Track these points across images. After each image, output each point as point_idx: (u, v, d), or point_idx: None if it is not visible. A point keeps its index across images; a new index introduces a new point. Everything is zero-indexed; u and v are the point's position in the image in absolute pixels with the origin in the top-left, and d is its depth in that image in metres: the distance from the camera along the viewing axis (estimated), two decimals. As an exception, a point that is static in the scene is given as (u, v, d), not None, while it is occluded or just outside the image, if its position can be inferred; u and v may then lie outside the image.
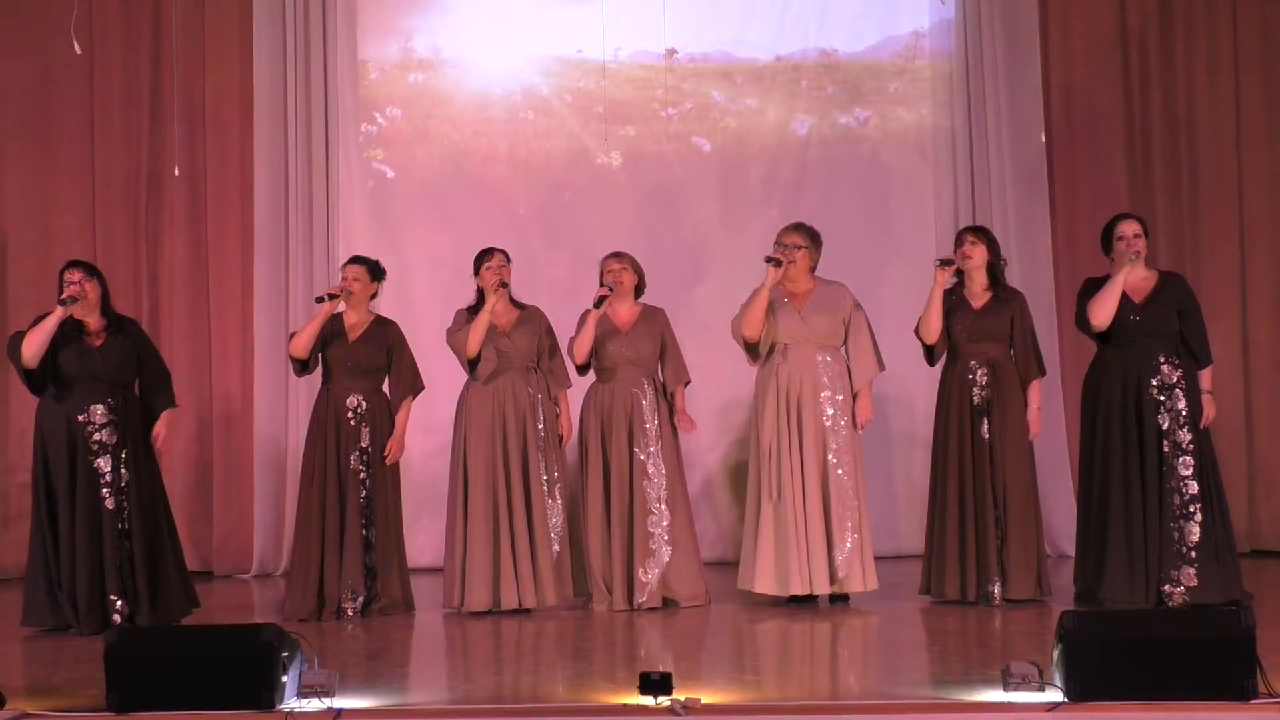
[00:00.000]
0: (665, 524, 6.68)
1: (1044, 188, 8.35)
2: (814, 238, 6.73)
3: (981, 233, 6.71)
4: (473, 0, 8.60)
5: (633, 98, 8.55)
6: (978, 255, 6.59)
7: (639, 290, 6.89)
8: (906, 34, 8.56)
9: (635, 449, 6.67)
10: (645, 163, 8.57)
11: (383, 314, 6.99)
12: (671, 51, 8.53)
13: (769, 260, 6.55)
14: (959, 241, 6.64)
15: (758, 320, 6.59)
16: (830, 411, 6.57)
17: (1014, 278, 7.38)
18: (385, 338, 6.81)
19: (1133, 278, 6.34)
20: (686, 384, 6.89)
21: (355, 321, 6.79)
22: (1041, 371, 6.64)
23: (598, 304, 6.63)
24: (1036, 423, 6.55)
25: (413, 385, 6.86)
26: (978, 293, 6.61)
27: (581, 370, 6.83)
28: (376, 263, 6.93)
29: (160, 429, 6.58)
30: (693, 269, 8.45)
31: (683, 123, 8.58)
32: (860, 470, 6.64)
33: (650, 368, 6.81)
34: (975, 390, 6.50)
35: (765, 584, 6.55)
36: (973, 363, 6.52)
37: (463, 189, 8.55)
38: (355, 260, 6.92)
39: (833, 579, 6.53)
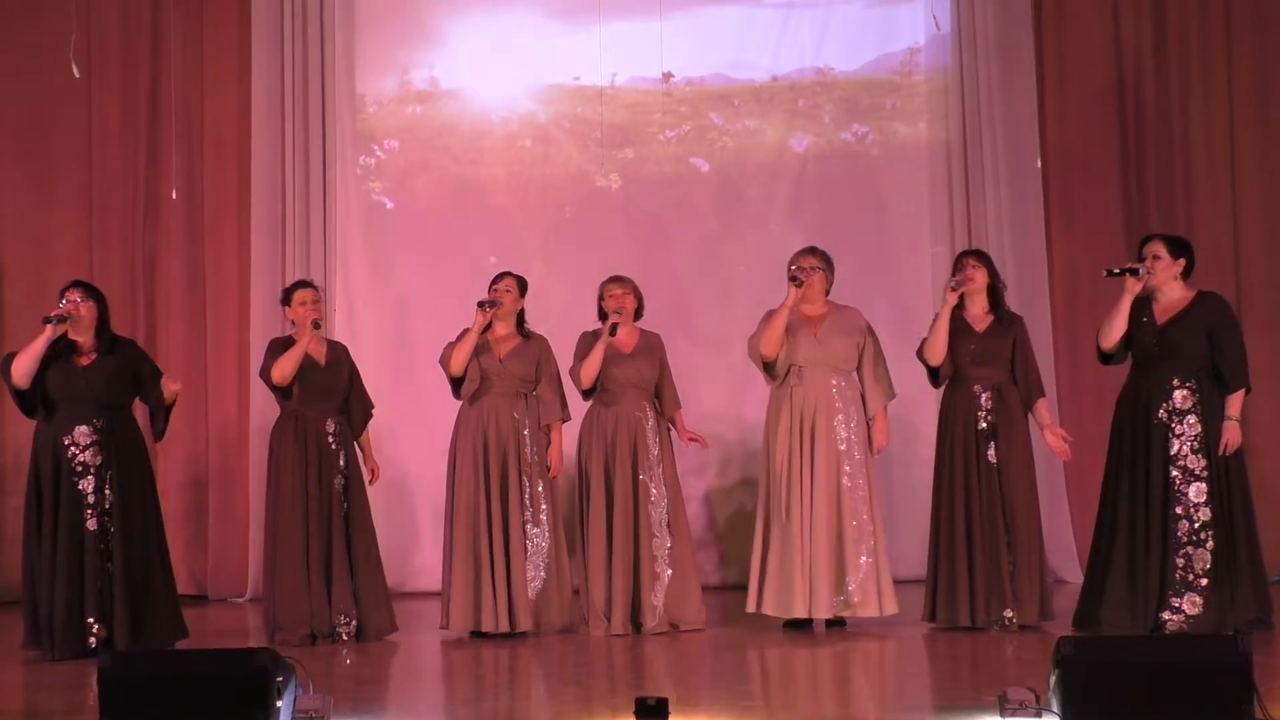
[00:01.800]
0: (668, 547, 6.68)
1: (1040, 210, 8.36)
2: (828, 261, 6.74)
3: (982, 256, 6.72)
4: (469, 32, 8.62)
5: (631, 122, 8.57)
6: (979, 279, 6.59)
7: (638, 314, 6.90)
8: (902, 50, 8.58)
9: (639, 472, 6.67)
10: (644, 185, 8.58)
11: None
12: (668, 75, 8.56)
13: (793, 280, 6.57)
14: (960, 265, 6.64)
15: (777, 339, 6.59)
16: (844, 435, 6.57)
17: (1011, 301, 7.37)
18: (346, 361, 6.84)
19: (1165, 299, 6.25)
20: (678, 408, 6.93)
21: (316, 347, 6.77)
22: (1042, 393, 6.64)
23: (612, 331, 6.63)
24: (1062, 436, 6.55)
25: (369, 404, 6.90)
26: (979, 316, 6.61)
27: (587, 395, 6.83)
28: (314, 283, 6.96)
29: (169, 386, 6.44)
30: (693, 289, 8.46)
31: (681, 144, 8.60)
32: (876, 494, 6.65)
33: (650, 391, 6.82)
34: (981, 415, 6.49)
35: (770, 606, 6.54)
36: (977, 387, 6.51)
37: (462, 217, 8.54)
38: (306, 285, 6.88)
39: (844, 604, 6.52)
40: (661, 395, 6.86)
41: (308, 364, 6.68)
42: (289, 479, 6.63)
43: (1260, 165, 8.43)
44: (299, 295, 6.77)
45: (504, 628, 6.53)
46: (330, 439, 6.67)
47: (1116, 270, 6.23)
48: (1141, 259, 6.23)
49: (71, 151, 8.56)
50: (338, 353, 6.86)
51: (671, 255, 8.50)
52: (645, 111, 8.57)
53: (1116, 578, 6.20)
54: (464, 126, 8.61)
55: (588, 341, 6.79)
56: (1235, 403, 6.17)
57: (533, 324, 6.92)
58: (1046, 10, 8.48)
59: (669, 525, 6.69)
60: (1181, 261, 6.24)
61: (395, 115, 8.62)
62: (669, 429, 6.86)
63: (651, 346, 6.85)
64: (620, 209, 8.57)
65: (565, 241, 8.55)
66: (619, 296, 6.78)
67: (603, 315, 6.82)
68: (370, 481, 6.84)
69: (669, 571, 6.67)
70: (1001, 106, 8.34)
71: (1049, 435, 6.58)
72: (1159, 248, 6.24)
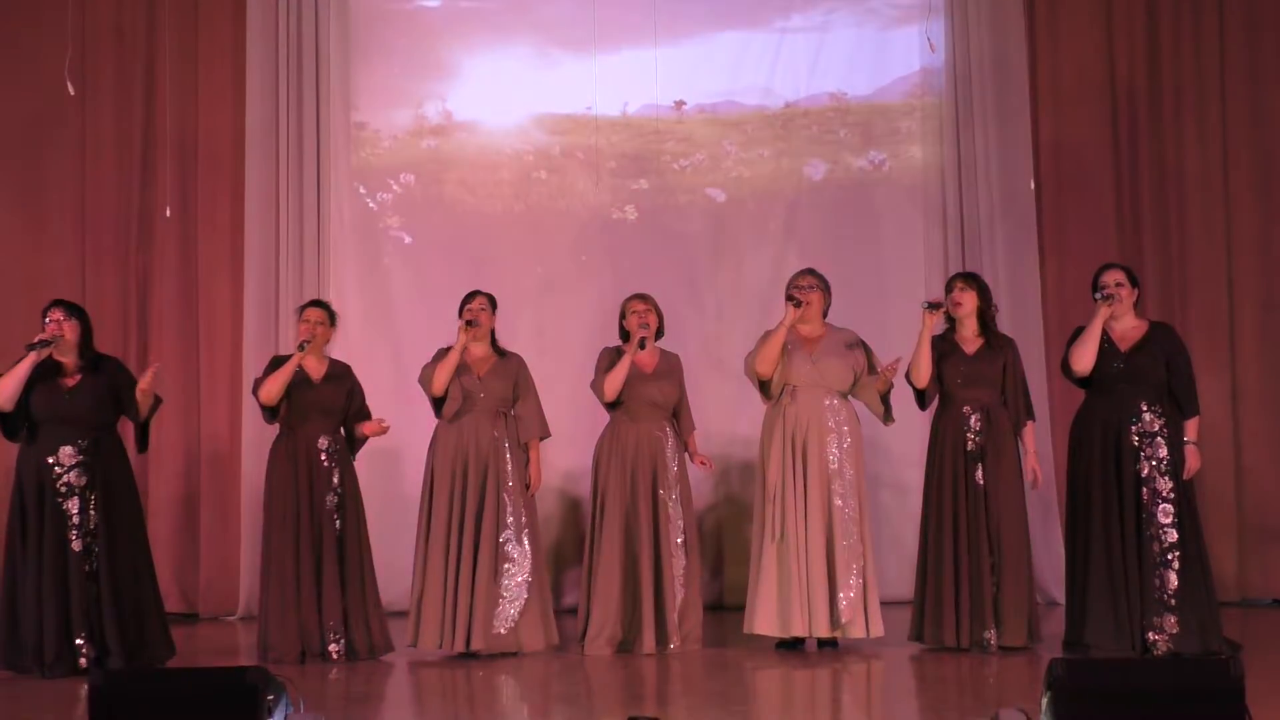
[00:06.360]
0: (684, 566, 6.69)
1: (1033, 235, 8.38)
2: (825, 283, 6.77)
3: (972, 279, 6.74)
4: (481, 65, 8.64)
5: (644, 151, 8.57)
6: (968, 302, 6.61)
7: (658, 333, 6.91)
8: (912, 73, 8.60)
9: (660, 491, 6.67)
10: (660, 215, 8.58)
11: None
12: (681, 104, 8.57)
13: (790, 299, 6.59)
14: (949, 288, 6.68)
15: (772, 358, 6.62)
16: (836, 455, 6.58)
17: (1004, 323, 7.39)
18: (347, 380, 6.81)
19: (1121, 326, 6.37)
20: (692, 430, 6.93)
21: (316, 365, 6.76)
22: (1031, 416, 6.65)
23: (641, 345, 6.64)
24: (1038, 467, 6.60)
25: (369, 416, 6.84)
26: (969, 339, 6.63)
27: (611, 407, 6.82)
28: (330, 306, 6.95)
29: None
30: (709, 317, 8.44)
31: (695, 174, 8.60)
32: (866, 515, 6.64)
33: (669, 410, 6.83)
34: (969, 436, 6.51)
35: (767, 625, 6.53)
36: (966, 408, 6.53)
37: (477, 249, 8.47)
38: (317, 304, 6.92)
39: (834, 623, 6.51)
40: (679, 417, 6.87)
41: (299, 381, 6.67)
42: (280, 497, 6.63)
43: (1254, 190, 8.45)
44: (304, 314, 6.79)
45: (477, 647, 6.48)
46: (323, 456, 6.66)
47: (1099, 297, 6.33)
48: (1102, 286, 6.36)
49: (65, 168, 8.55)
50: (338, 371, 6.82)
51: (688, 284, 8.45)
52: (658, 140, 8.56)
53: (1097, 599, 6.23)
54: (478, 159, 8.60)
55: (609, 356, 6.79)
56: (1192, 428, 6.35)
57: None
58: (1040, 35, 8.51)
59: (685, 545, 6.70)
60: (1136, 290, 6.44)
61: (410, 149, 8.61)
62: (684, 450, 6.86)
63: (672, 368, 6.87)
64: (637, 240, 8.55)
65: (583, 273, 8.53)
66: (643, 313, 6.79)
67: (623, 333, 6.83)
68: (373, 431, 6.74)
69: (682, 590, 6.68)
70: (995, 131, 8.38)
71: (1028, 461, 6.58)
72: (1121, 276, 6.41)
